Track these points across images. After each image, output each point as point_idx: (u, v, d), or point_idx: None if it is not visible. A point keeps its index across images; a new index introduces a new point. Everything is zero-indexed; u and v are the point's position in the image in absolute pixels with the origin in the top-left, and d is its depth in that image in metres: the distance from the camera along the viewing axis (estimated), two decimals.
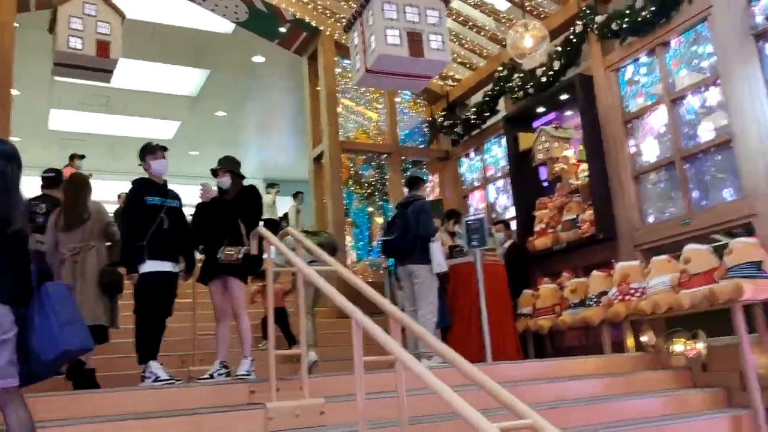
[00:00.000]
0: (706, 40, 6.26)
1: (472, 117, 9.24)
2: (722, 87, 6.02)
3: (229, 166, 5.22)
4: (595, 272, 6.80)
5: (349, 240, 9.91)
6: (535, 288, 7.61)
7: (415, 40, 5.80)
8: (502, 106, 8.91)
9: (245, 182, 5.31)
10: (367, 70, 5.96)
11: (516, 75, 8.32)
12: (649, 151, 6.89)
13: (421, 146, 10.88)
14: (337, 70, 10.08)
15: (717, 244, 5.53)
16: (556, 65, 7.63)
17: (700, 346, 5.91)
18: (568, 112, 7.92)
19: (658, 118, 6.78)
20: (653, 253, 6.41)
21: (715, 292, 5.34)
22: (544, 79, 7.82)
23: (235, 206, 5.06)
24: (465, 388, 3.14)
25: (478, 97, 9.31)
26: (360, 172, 10.50)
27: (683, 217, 6.32)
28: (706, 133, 6.27)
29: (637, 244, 6.76)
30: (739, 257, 5.35)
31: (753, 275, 5.25)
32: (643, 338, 6.51)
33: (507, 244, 8.18)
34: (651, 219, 6.83)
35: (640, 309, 6.06)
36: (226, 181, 5.17)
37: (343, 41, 9.54)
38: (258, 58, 12.03)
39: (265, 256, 4.89)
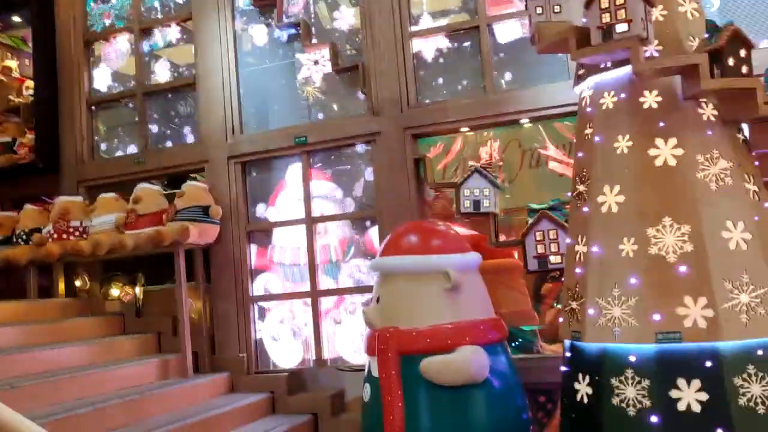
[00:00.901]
0: None
1: None
2: (193, 26, 5.88)
3: None
4: (27, 206, 5.89)
5: None
6: None
7: None
8: None
9: None
10: None
11: None
12: (109, 80, 6.30)
13: None
14: None
15: (171, 191, 5.39)
16: None
17: (138, 290, 5.68)
18: (18, 18, 6.68)
19: (124, 47, 6.26)
20: (101, 190, 5.88)
21: (162, 233, 5.16)
22: None
23: None
24: None
25: None
26: None
27: (138, 156, 5.97)
28: (169, 72, 6.06)
29: (84, 180, 6.11)
30: (189, 200, 5.30)
31: (199, 219, 5.26)
32: (78, 282, 5.93)
33: None
34: (102, 154, 6.26)
35: (79, 249, 5.45)
36: None
37: None
38: None
39: None
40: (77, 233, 5.58)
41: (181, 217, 5.21)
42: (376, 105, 5.23)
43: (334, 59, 5.39)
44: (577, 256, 3.55)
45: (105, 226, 5.46)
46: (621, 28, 3.21)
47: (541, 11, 3.70)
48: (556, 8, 3.70)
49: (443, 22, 5.30)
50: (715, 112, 3.35)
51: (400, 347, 3.62)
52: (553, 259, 4.49)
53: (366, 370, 3.81)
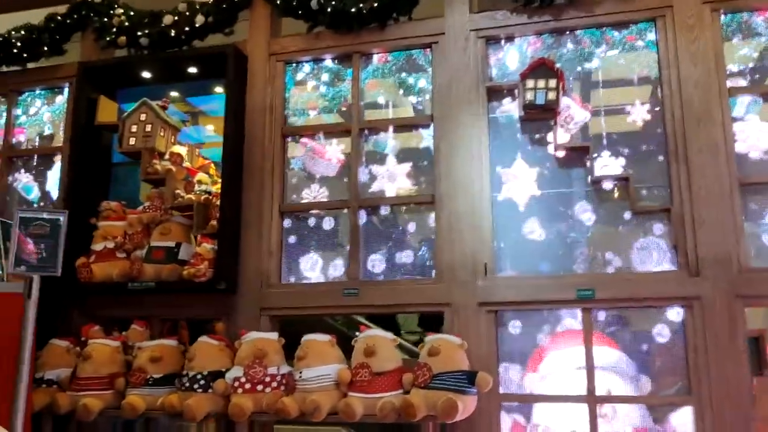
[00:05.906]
0: (420, 70, 5.18)
1: (16, 44, 5.93)
2: (436, 134, 4.97)
3: None
4: (204, 338, 4.73)
5: None
6: (80, 340, 5.01)
7: None
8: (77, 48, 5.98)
9: None
10: None
11: (120, 9, 5.68)
12: (310, 185, 5.31)
13: None
14: None
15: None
16: (199, 20, 5.41)
17: None
18: (196, 93, 5.71)
19: (334, 145, 5.31)
20: (287, 323, 4.81)
21: (413, 405, 4.04)
22: (172, 33, 5.45)
23: None
24: None
25: (33, 17, 6.06)
26: None
27: (347, 285, 4.91)
28: (398, 183, 5.09)
29: (269, 308, 5.01)
30: (447, 362, 4.23)
31: (463, 389, 4.17)
32: None
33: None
34: (293, 277, 5.17)
35: (283, 408, 4.28)
36: None
37: None
38: None
39: None
40: (275, 384, 4.45)
41: (438, 385, 4.12)
42: (693, 263, 4.31)
43: (634, 199, 4.51)
44: None
45: (323, 381, 4.34)
46: None
47: None
48: None
49: None
50: None
51: None
52: None
53: None
